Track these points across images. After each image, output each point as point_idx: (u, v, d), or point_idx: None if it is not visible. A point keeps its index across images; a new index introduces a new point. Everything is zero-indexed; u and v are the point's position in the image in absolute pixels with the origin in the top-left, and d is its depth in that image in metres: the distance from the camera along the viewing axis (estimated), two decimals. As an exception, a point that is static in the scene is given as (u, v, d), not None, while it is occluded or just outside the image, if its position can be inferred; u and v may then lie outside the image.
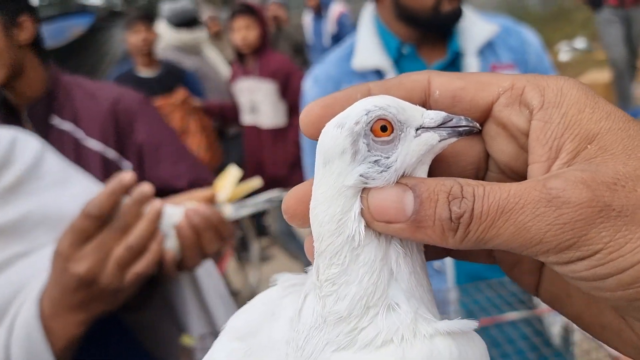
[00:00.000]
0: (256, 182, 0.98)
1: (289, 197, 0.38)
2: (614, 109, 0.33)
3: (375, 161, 0.33)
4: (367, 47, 1.54)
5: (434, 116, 0.35)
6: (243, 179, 0.97)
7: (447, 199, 0.31)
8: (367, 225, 0.34)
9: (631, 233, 0.28)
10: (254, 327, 0.38)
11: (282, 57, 3.50)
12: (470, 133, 0.36)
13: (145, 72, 3.45)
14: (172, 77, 3.46)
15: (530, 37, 1.59)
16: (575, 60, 7.13)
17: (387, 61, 1.51)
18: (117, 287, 0.74)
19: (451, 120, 0.35)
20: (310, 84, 1.65)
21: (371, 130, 0.34)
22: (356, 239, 0.34)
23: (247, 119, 3.37)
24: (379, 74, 1.51)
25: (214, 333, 1.13)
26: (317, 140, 0.37)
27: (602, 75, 5.95)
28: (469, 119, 0.35)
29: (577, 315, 0.38)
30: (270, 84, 3.25)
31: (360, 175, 0.33)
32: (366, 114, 0.34)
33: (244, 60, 3.35)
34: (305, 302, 0.36)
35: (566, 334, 1.31)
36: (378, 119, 0.34)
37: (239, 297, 3.75)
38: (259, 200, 0.94)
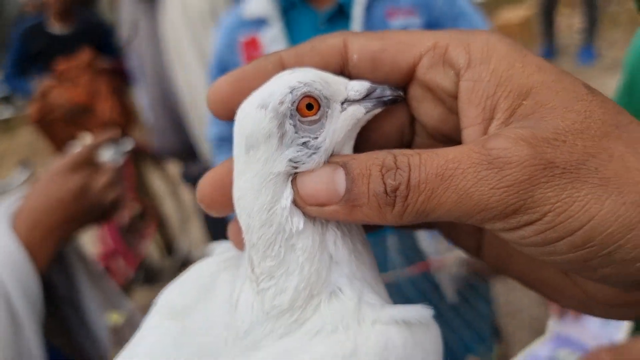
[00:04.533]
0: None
1: (204, 184, 0.35)
2: (544, 61, 0.31)
3: (304, 143, 0.32)
4: None
5: (358, 88, 0.34)
6: None
7: (380, 172, 0.29)
8: (301, 212, 0.32)
9: (578, 191, 0.26)
10: (189, 306, 0.36)
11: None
12: (395, 102, 0.35)
13: (57, 28, 3.09)
14: (88, 35, 3.13)
15: None
16: (486, 2, 7.33)
17: (274, 10, 1.36)
18: (98, 205, 0.94)
19: (375, 90, 0.34)
20: (217, 32, 1.54)
21: (297, 109, 0.32)
22: (289, 228, 0.32)
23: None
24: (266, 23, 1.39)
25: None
26: (227, 120, 0.35)
27: (516, 14, 6.18)
28: (393, 87, 0.34)
29: (520, 274, 0.37)
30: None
31: (289, 160, 0.31)
32: (291, 92, 0.31)
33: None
34: (242, 295, 0.34)
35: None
36: (303, 97, 0.32)
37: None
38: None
